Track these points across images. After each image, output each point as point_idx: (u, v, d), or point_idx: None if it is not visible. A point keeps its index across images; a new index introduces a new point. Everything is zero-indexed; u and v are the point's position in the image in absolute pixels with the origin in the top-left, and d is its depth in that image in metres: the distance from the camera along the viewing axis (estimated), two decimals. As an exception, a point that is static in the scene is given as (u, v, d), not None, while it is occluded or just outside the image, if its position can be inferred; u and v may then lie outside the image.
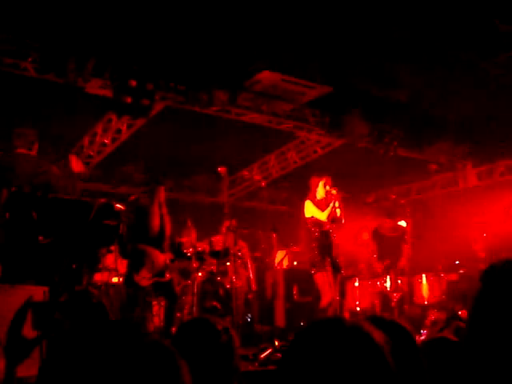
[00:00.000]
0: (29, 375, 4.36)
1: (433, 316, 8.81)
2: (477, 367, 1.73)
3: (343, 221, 7.49)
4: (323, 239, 7.37)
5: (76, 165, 6.57)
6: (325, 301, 7.25)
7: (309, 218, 7.46)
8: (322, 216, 7.36)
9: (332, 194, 7.45)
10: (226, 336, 2.19)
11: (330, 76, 8.15)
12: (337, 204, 7.45)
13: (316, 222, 7.41)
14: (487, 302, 1.79)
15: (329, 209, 7.38)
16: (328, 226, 7.41)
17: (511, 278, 1.77)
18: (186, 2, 6.37)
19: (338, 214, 7.44)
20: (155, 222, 6.99)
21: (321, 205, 7.43)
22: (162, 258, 6.99)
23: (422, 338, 7.88)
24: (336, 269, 7.37)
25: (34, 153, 6.19)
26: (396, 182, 12.27)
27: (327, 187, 7.48)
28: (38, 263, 5.92)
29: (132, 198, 7.37)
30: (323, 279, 7.25)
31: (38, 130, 6.47)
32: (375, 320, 2.68)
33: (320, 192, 7.50)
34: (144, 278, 6.83)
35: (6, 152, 5.99)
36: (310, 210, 7.45)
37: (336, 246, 7.47)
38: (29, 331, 3.96)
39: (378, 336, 1.33)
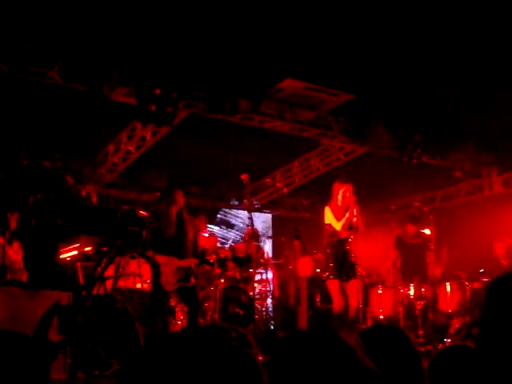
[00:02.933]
0: (56, 378, 4.45)
1: (457, 324, 8.74)
2: (487, 375, 1.76)
3: (360, 229, 7.47)
4: (338, 247, 7.39)
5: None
6: (336, 307, 7.29)
7: (327, 224, 7.49)
8: (338, 225, 7.39)
9: (350, 203, 7.44)
10: (240, 343, 2.21)
11: (354, 83, 8.15)
12: (354, 212, 7.44)
13: (333, 230, 7.44)
14: (492, 315, 1.83)
15: (344, 219, 7.39)
16: (345, 235, 7.42)
17: None
18: (211, 13, 6.43)
19: (355, 223, 7.43)
20: (171, 227, 7.05)
21: (339, 213, 7.45)
22: (180, 262, 7.03)
23: (446, 346, 7.83)
24: (348, 277, 7.38)
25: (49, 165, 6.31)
26: (420, 189, 12.19)
27: (347, 194, 7.48)
28: (63, 269, 6.03)
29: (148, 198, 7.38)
30: (334, 286, 7.29)
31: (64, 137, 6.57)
32: (379, 327, 2.72)
33: (340, 199, 7.50)
34: (169, 283, 6.90)
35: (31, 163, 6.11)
36: (328, 216, 7.49)
37: (352, 254, 7.46)
38: (55, 335, 4.05)
39: (349, 340, 1.40)
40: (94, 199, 6.70)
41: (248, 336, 2.36)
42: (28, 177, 5.86)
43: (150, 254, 6.95)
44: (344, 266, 7.35)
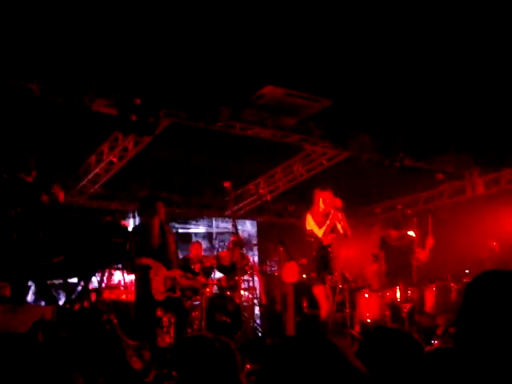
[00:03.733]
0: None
1: (444, 326, 8.76)
2: (466, 372, 1.77)
3: (348, 234, 7.48)
4: (321, 253, 7.42)
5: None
6: (323, 313, 7.33)
7: (309, 230, 7.52)
8: (319, 232, 7.43)
9: (331, 209, 7.47)
10: (225, 352, 2.20)
11: (334, 89, 8.18)
12: (339, 216, 7.47)
13: (315, 236, 7.46)
14: (471, 313, 1.84)
15: (325, 226, 7.43)
16: (327, 241, 7.45)
17: (493, 291, 1.83)
18: (189, 20, 6.43)
19: (340, 228, 7.45)
20: (155, 238, 7.02)
21: (320, 219, 7.47)
22: (167, 273, 7.00)
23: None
24: (334, 282, 7.42)
25: (30, 179, 6.25)
26: (404, 192, 12.25)
27: (326, 201, 7.52)
28: (46, 282, 5.97)
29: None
30: (320, 292, 7.32)
31: (42, 151, 6.52)
32: (382, 330, 2.70)
33: (320, 206, 7.54)
34: (159, 292, 6.87)
35: (9, 175, 6.06)
36: (309, 223, 7.54)
37: (336, 260, 7.49)
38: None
39: (339, 343, 1.41)
40: (62, 198, 6.60)
41: (231, 345, 2.36)
42: (7, 190, 5.81)
43: (135, 261, 6.90)
44: (328, 272, 7.38)
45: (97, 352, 2.17)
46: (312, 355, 1.41)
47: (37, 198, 5.88)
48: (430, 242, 8.91)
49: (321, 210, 7.52)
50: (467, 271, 9.81)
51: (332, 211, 7.45)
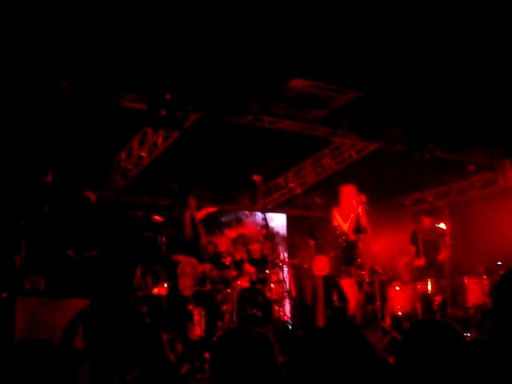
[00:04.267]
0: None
1: (476, 319, 8.69)
2: (499, 365, 1.76)
3: (367, 231, 7.53)
4: (347, 249, 7.48)
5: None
6: (352, 306, 7.37)
7: (335, 226, 7.60)
8: (345, 226, 7.52)
9: (356, 204, 7.53)
10: (264, 344, 2.21)
11: (364, 80, 8.13)
12: (360, 211, 7.53)
13: (342, 231, 7.53)
14: (505, 306, 1.83)
15: (349, 220, 7.50)
16: (353, 237, 7.52)
17: None
18: (218, 15, 6.44)
19: (364, 224, 7.52)
20: (187, 232, 7.07)
21: (345, 215, 7.55)
22: (199, 266, 7.05)
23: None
24: (361, 276, 7.47)
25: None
26: (434, 183, 12.12)
27: (350, 196, 7.60)
28: (80, 276, 6.05)
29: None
30: (347, 285, 7.38)
31: (74, 146, 6.59)
32: (426, 322, 2.68)
33: (345, 202, 7.63)
34: (187, 288, 6.92)
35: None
36: (336, 218, 7.63)
37: (363, 254, 7.54)
38: (80, 343, 4.07)
39: (369, 336, 1.42)
40: (93, 198, 6.67)
41: (269, 336, 2.36)
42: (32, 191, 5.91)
43: (167, 258, 6.97)
44: (355, 266, 7.43)
45: (137, 345, 2.20)
46: (341, 346, 1.41)
47: (61, 196, 5.96)
48: (447, 241, 8.85)
49: (345, 206, 7.60)
50: (499, 263, 9.71)
51: (357, 206, 7.52)
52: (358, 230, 7.55)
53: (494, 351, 1.83)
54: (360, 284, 7.53)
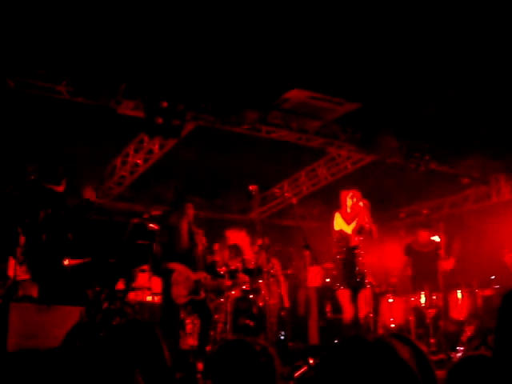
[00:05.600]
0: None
1: (469, 332, 8.69)
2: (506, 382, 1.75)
3: (374, 234, 7.41)
4: (348, 255, 7.37)
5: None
6: (346, 317, 7.28)
7: (337, 231, 7.48)
8: (348, 229, 7.37)
9: (360, 206, 7.43)
10: (265, 357, 2.19)
11: (360, 91, 8.16)
12: (365, 218, 7.44)
13: (343, 237, 7.41)
14: (509, 324, 1.83)
15: (354, 222, 7.38)
16: (355, 242, 7.39)
17: None
18: (215, 25, 6.45)
19: (368, 228, 7.39)
20: (184, 240, 7.04)
21: (348, 218, 7.43)
22: (193, 275, 7.02)
23: (459, 354, 7.77)
24: (359, 285, 7.35)
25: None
26: (428, 196, 12.15)
27: (354, 199, 7.48)
28: (73, 283, 6.02)
29: (155, 213, 7.38)
30: (344, 296, 7.28)
31: (71, 151, 6.59)
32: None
33: (348, 204, 7.51)
34: (180, 296, 6.88)
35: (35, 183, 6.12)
36: (338, 222, 7.49)
37: (361, 262, 7.44)
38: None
39: (403, 351, 1.37)
40: (94, 198, 6.62)
41: (270, 349, 2.35)
42: (36, 192, 5.88)
43: (162, 265, 6.93)
44: (353, 276, 7.32)
45: (139, 354, 2.18)
46: (377, 363, 1.37)
47: (65, 202, 5.95)
48: (456, 248, 8.83)
49: (349, 208, 7.49)
50: (493, 277, 9.72)
51: (360, 209, 7.41)
52: (361, 233, 7.44)
53: (500, 367, 1.83)
54: (358, 294, 7.40)
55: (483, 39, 6.70)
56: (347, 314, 7.30)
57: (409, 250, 9.58)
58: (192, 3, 6.07)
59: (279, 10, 6.18)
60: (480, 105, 8.42)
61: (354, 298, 7.34)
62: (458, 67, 7.39)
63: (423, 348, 2.21)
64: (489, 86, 7.83)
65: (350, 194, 7.53)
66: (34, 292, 5.74)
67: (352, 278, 7.30)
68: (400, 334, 2.22)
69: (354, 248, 7.39)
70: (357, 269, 7.36)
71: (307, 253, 8.18)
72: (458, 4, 6.00)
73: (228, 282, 8.12)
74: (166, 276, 7.03)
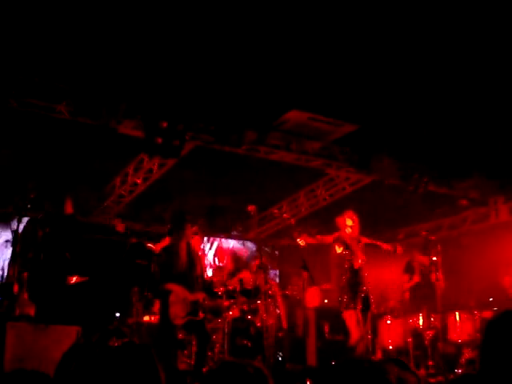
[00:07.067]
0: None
1: (467, 354, 8.65)
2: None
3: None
4: (353, 277, 7.35)
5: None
6: (353, 339, 7.20)
7: (340, 253, 7.48)
8: (352, 252, 7.42)
9: (358, 230, 7.52)
10: (259, 379, 2.19)
11: (359, 113, 8.20)
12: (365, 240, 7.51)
13: (347, 259, 7.42)
14: (492, 349, 1.87)
15: (357, 247, 7.44)
16: (359, 264, 7.40)
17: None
18: (216, 45, 6.51)
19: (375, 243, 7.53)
20: (182, 261, 7.02)
21: (349, 242, 7.46)
22: (190, 296, 7.00)
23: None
24: (366, 307, 7.33)
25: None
26: (427, 217, 12.16)
27: (353, 223, 7.54)
28: (71, 303, 6.02)
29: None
30: (351, 317, 7.22)
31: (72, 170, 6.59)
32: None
33: (349, 224, 7.54)
34: (178, 317, 6.85)
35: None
36: (340, 246, 7.49)
37: (367, 283, 7.43)
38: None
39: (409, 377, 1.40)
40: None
41: (263, 370, 2.34)
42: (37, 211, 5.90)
43: (160, 286, 6.90)
44: (359, 297, 7.31)
45: (135, 375, 2.18)
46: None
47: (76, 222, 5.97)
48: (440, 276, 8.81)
49: (348, 232, 7.51)
50: (491, 299, 9.71)
51: (359, 235, 7.49)
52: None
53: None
54: (365, 315, 7.38)
55: (481, 60, 6.77)
56: (354, 335, 7.21)
57: (409, 268, 9.59)
58: (192, 23, 6.14)
59: (279, 31, 6.24)
60: (478, 126, 8.47)
61: (363, 320, 7.30)
62: (456, 89, 7.45)
63: (419, 373, 2.24)
64: (487, 107, 7.88)
65: (348, 217, 7.58)
66: (32, 311, 5.73)
67: (360, 299, 7.29)
68: (398, 359, 2.23)
69: (359, 270, 7.41)
70: (364, 289, 7.36)
71: (305, 273, 8.17)
72: (452, 25, 6.08)
73: (226, 303, 8.10)
74: (163, 297, 7.00)
